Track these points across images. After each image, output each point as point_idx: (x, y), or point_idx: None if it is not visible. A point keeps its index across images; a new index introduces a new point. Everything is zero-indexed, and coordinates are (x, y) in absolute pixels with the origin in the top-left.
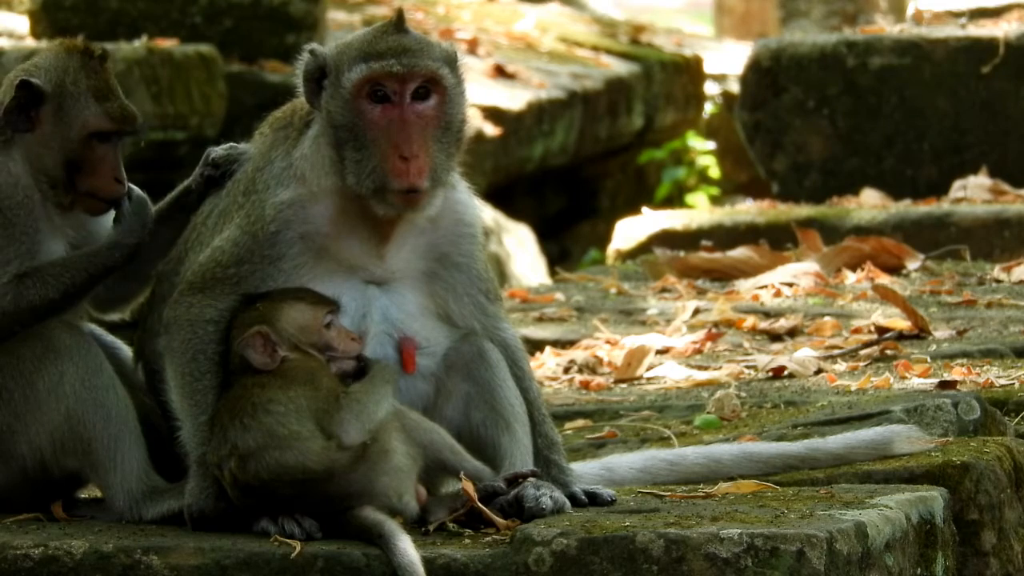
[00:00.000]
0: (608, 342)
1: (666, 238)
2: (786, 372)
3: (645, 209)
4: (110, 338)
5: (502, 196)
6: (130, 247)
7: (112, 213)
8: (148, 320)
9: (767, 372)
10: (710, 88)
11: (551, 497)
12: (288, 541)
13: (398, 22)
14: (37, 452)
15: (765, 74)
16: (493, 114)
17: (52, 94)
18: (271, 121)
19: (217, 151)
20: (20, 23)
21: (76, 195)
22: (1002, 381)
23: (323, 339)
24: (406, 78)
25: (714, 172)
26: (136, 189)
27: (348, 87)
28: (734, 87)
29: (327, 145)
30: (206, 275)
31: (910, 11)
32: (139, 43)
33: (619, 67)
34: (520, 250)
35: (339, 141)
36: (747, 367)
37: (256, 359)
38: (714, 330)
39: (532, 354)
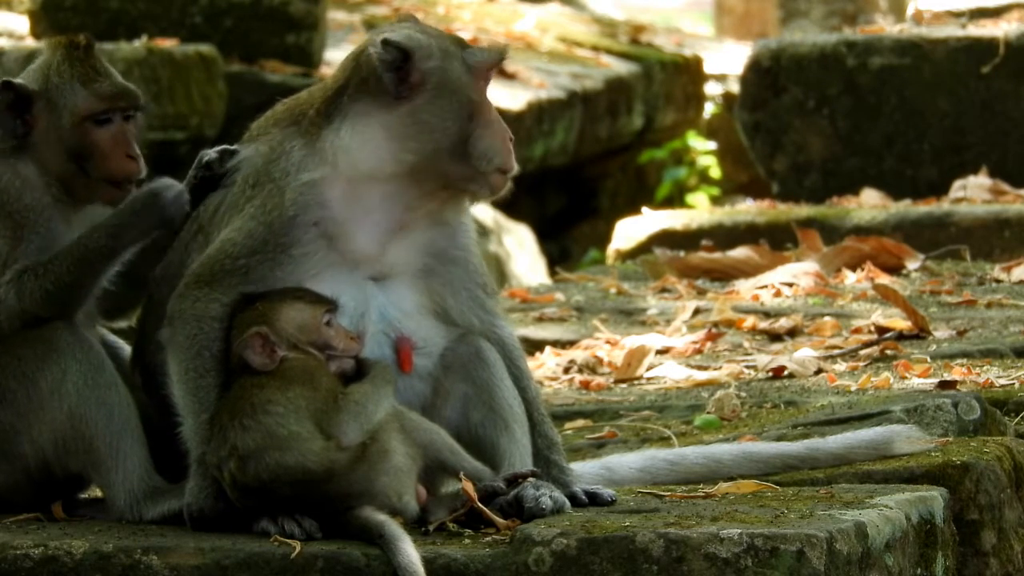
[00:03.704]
0: (608, 342)
1: (666, 238)
2: (786, 372)
3: (645, 209)
4: (112, 337)
5: None
6: (113, 229)
7: None
8: (146, 325)
9: (767, 372)
10: (710, 88)
11: (551, 497)
12: (288, 541)
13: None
14: (40, 452)
15: (765, 74)
16: None
17: (40, 92)
18: (273, 121)
19: (210, 154)
20: (20, 23)
21: (93, 185)
22: (1002, 381)
23: (322, 338)
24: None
25: (714, 172)
26: (163, 181)
27: (476, 66)
28: (734, 87)
29: (431, 122)
30: (214, 267)
31: (910, 11)
32: (139, 43)
33: (619, 67)
34: (520, 250)
35: (466, 115)
36: (747, 367)
37: (255, 360)
38: (714, 330)
39: (532, 354)
